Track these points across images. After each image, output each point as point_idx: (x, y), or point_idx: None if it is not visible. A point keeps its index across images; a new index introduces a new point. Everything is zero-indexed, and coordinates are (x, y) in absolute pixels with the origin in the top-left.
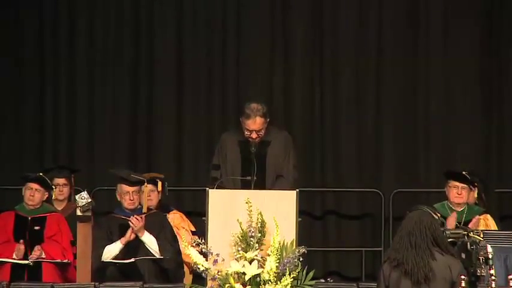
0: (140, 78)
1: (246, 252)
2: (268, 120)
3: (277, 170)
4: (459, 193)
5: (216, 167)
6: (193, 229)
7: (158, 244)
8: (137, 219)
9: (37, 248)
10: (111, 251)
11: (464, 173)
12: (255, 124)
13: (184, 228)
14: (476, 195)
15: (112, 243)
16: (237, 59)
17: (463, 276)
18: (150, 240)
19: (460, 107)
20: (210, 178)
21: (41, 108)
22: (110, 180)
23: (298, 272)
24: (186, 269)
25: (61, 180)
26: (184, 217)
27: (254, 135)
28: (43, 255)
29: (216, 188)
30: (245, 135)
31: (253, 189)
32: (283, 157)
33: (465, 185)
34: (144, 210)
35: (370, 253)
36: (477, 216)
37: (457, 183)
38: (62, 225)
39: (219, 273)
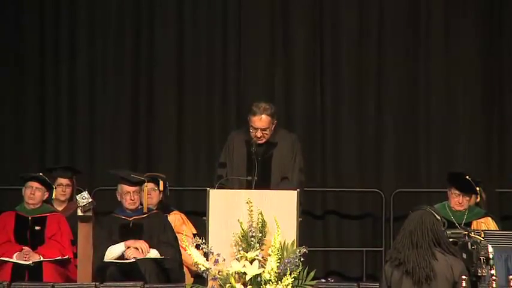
0: (141, 78)
1: (246, 252)
2: (275, 121)
3: (282, 171)
4: (460, 202)
5: (222, 165)
6: (194, 231)
7: (159, 246)
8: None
9: (30, 251)
10: (113, 252)
11: (467, 177)
12: (260, 122)
13: (183, 232)
14: (478, 198)
15: (112, 243)
16: (237, 59)
17: (464, 276)
18: (152, 253)
19: (460, 107)
20: (216, 176)
21: (42, 108)
22: (111, 180)
23: (299, 272)
24: (187, 271)
25: (65, 181)
26: (185, 218)
27: (259, 134)
28: (41, 259)
29: (217, 188)
30: (252, 135)
31: (254, 189)
32: (290, 159)
33: (467, 196)
34: (145, 210)
35: (371, 253)
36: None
37: (459, 192)
38: (62, 225)
39: (220, 273)
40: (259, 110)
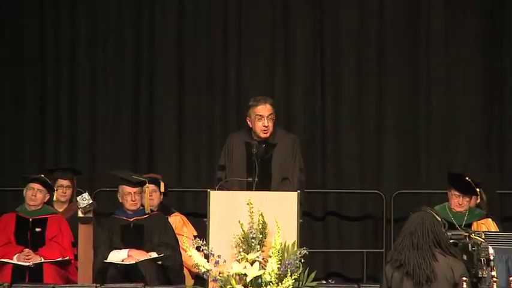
0: (141, 79)
1: (247, 254)
2: (275, 116)
3: (282, 172)
4: (460, 203)
5: (222, 168)
6: (195, 233)
7: (160, 247)
8: None
9: (31, 253)
10: (117, 258)
11: (467, 178)
12: (266, 108)
13: (184, 234)
14: (478, 199)
15: (113, 244)
16: (237, 60)
17: (464, 278)
18: (152, 255)
19: (460, 107)
20: (216, 179)
21: (42, 109)
22: (111, 181)
23: (299, 274)
24: (187, 272)
25: (65, 182)
26: (185, 220)
27: (266, 122)
28: (41, 260)
29: (218, 189)
30: (258, 127)
31: (255, 190)
32: (290, 159)
33: (467, 197)
34: (147, 210)
35: (372, 254)
36: None
37: (459, 193)
38: (63, 226)
39: (221, 275)
40: (262, 99)
